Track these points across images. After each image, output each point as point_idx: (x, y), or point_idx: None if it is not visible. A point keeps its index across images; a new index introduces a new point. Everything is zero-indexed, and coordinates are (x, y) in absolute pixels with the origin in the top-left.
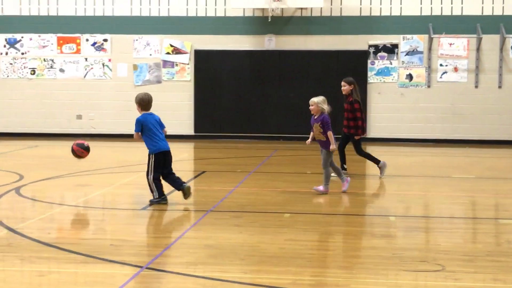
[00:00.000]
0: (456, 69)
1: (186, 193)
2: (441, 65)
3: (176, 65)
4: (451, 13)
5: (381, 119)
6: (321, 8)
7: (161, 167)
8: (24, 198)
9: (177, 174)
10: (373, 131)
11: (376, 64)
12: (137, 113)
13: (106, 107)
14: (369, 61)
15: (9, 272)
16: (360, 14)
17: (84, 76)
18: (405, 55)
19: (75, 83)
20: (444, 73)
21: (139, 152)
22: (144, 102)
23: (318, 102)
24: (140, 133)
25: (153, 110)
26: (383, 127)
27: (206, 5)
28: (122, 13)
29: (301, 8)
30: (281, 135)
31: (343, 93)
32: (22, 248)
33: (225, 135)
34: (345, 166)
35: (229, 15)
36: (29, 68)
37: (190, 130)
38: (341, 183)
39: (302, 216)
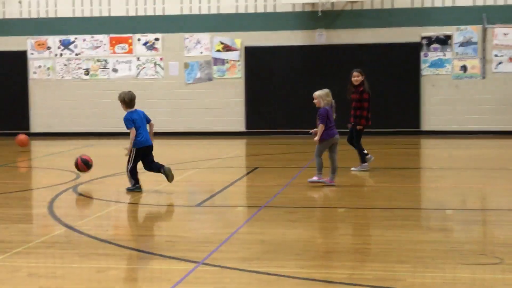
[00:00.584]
0: (511, 60)
1: (168, 175)
2: (496, 55)
3: (227, 62)
4: (505, 3)
5: (435, 111)
6: (372, 0)
7: (140, 159)
8: (81, 196)
9: (230, 170)
10: (427, 124)
11: (430, 56)
12: (194, 112)
13: (158, 105)
14: (422, 53)
15: (69, 269)
16: (412, 5)
17: (137, 76)
18: (459, 46)
19: (128, 83)
20: (499, 63)
21: (193, 150)
22: (128, 100)
23: (319, 96)
24: (133, 128)
25: (205, 107)
26: (437, 120)
27: (255, 1)
28: (172, 12)
29: (352, 1)
30: None
31: (355, 83)
32: (81, 245)
33: (277, 131)
34: (365, 152)
35: (279, 11)
36: (83, 69)
37: (241, 127)
38: (316, 175)
39: (357, 210)
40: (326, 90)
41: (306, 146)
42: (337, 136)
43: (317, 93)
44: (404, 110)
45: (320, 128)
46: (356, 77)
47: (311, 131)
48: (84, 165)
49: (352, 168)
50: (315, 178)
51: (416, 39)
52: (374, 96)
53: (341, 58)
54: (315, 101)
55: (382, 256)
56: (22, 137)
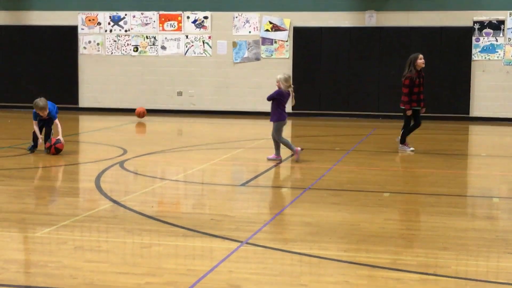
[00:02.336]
0: None
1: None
2: None
3: (275, 42)
4: None
5: (485, 97)
6: None
7: None
8: (128, 172)
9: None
10: (476, 110)
11: (481, 41)
12: (241, 91)
13: (206, 84)
14: (473, 38)
15: (114, 243)
16: None
17: (185, 53)
18: None
19: (176, 60)
20: None
21: (238, 129)
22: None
23: (279, 79)
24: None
25: (252, 87)
26: (487, 106)
27: None
28: None
29: None
30: (380, 113)
31: (423, 66)
32: (126, 220)
33: (324, 113)
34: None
35: None
36: (132, 45)
37: (288, 107)
38: (274, 153)
39: (402, 195)
40: (286, 75)
41: (352, 128)
42: (285, 119)
43: (278, 77)
44: (454, 95)
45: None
46: (423, 60)
47: None
48: (55, 151)
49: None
50: (272, 157)
51: (468, 23)
52: (424, 80)
53: (391, 41)
54: (276, 83)
55: (426, 243)
56: (140, 109)
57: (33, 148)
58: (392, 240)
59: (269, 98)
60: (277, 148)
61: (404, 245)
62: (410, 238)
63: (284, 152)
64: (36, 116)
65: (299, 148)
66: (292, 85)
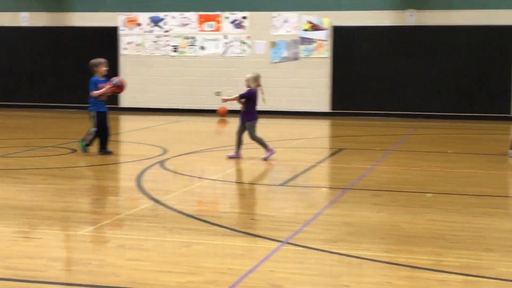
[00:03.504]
0: None
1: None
2: None
3: (314, 41)
4: None
5: None
6: None
7: None
8: (168, 171)
9: (314, 151)
10: None
11: None
12: (280, 91)
13: (244, 84)
14: None
15: (156, 242)
16: None
17: (223, 53)
18: None
19: (215, 60)
20: None
21: (277, 129)
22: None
23: (248, 79)
24: None
25: (290, 86)
26: None
27: None
28: None
29: None
30: (420, 113)
31: None
32: (167, 219)
33: (363, 112)
34: None
35: None
36: (172, 46)
37: (326, 107)
38: (267, 152)
39: (444, 196)
40: (255, 74)
41: (392, 128)
42: (257, 119)
43: (247, 76)
44: (494, 95)
45: (235, 97)
46: None
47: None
48: (116, 87)
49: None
50: (267, 155)
51: (509, 22)
52: (465, 80)
53: (431, 40)
54: (245, 83)
55: (469, 244)
56: (222, 109)
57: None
58: (434, 241)
59: (242, 97)
60: (238, 146)
61: (446, 246)
62: (452, 239)
63: (322, 152)
64: (96, 84)
65: (273, 150)
66: (261, 84)
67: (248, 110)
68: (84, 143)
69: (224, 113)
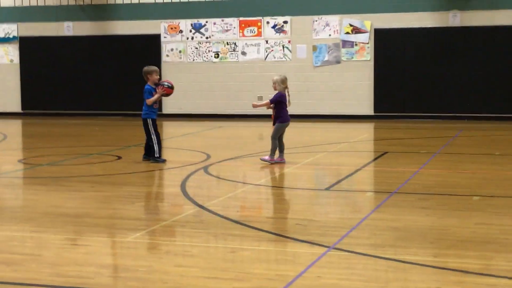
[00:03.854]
0: None
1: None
2: None
3: (356, 44)
4: None
5: None
6: None
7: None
8: (212, 177)
9: (358, 154)
10: None
11: None
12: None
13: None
14: None
15: (202, 248)
16: None
17: (265, 58)
18: None
19: (256, 65)
20: None
21: (320, 133)
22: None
23: (276, 81)
24: None
25: (332, 90)
26: None
27: None
28: None
29: None
30: (466, 115)
31: None
32: (212, 225)
33: (407, 115)
34: None
35: None
36: (213, 52)
37: (369, 110)
38: (269, 156)
39: (493, 199)
40: (283, 76)
41: (437, 130)
42: (289, 121)
43: (274, 78)
44: None
45: (266, 103)
46: None
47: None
48: (169, 88)
49: None
50: (267, 158)
51: None
52: (510, 80)
53: (476, 40)
54: (272, 85)
55: None
56: None
57: (160, 161)
58: (484, 245)
59: (272, 101)
60: (281, 151)
61: (496, 250)
62: (503, 242)
63: (366, 155)
64: (151, 92)
65: (274, 160)
66: (287, 87)
67: (279, 113)
68: (156, 157)
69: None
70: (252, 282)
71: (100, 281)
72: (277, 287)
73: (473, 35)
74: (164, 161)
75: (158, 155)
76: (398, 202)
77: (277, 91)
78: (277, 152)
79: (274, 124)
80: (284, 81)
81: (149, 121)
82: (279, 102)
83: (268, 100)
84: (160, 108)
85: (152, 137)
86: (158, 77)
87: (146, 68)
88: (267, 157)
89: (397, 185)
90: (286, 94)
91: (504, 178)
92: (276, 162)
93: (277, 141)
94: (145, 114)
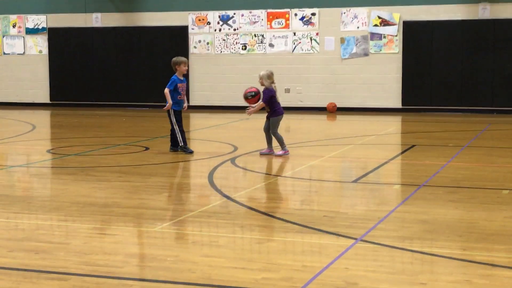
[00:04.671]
0: None
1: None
2: None
3: (384, 37)
4: None
5: None
6: None
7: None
8: (239, 168)
9: (386, 147)
10: None
11: None
12: (350, 87)
13: (314, 80)
14: None
15: (230, 238)
16: None
17: (292, 51)
18: None
19: (284, 58)
20: None
21: (348, 125)
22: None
23: (262, 76)
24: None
25: (360, 83)
26: None
27: None
28: None
29: None
30: (495, 108)
31: None
32: (239, 216)
33: (435, 108)
34: None
35: None
36: (241, 44)
37: (397, 103)
38: (281, 150)
39: None
40: (269, 72)
41: (465, 124)
42: (283, 113)
43: (261, 74)
44: None
45: (259, 105)
46: None
47: (247, 110)
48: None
49: None
50: (280, 152)
51: None
52: None
53: (505, 33)
54: (259, 80)
55: None
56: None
57: (187, 151)
58: None
59: (265, 101)
60: (269, 142)
61: None
62: None
63: (394, 148)
64: (175, 84)
65: (288, 151)
66: (274, 81)
67: (272, 107)
68: (181, 146)
69: (333, 108)
70: (280, 273)
71: (129, 270)
72: (305, 278)
73: (503, 28)
74: (191, 152)
75: (183, 144)
76: (426, 195)
77: (264, 87)
78: (280, 146)
79: (268, 118)
80: (270, 76)
81: (171, 111)
82: (270, 98)
83: (261, 102)
84: (188, 100)
85: (175, 127)
86: (187, 68)
87: (175, 59)
88: (280, 152)
89: (425, 178)
90: (274, 88)
91: None
92: (263, 154)
93: (278, 134)
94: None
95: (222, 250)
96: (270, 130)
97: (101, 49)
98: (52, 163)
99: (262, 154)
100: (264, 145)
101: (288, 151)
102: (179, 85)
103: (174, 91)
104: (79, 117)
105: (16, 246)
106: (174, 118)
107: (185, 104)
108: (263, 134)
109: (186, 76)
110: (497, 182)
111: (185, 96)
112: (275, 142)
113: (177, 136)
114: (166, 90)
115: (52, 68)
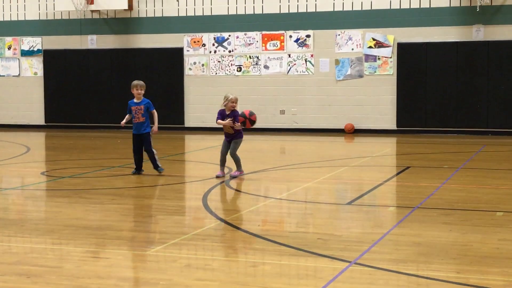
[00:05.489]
0: None
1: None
2: None
3: (379, 59)
4: None
5: None
6: None
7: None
8: (233, 190)
9: (381, 169)
10: None
11: None
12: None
13: (309, 102)
14: None
15: (223, 262)
16: None
17: (287, 72)
18: None
19: (279, 79)
20: None
21: (342, 147)
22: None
23: (231, 99)
24: None
25: (355, 104)
26: None
27: None
28: (324, 8)
29: None
30: (489, 130)
31: None
32: (233, 239)
33: (430, 130)
34: None
35: (434, 6)
36: (236, 65)
37: (392, 125)
38: (237, 171)
39: None
40: (236, 96)
41: (460, 145)
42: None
43: (230, 97)
44: None
45: (239, 125)
46: None
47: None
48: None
49: None
50: (237, 173)
51: None
52: None
53: (500, 54)
54: (231, 104)
55: None
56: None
57: (137, 172)
58: (507, 261)
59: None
60: (223, 164)
61: None
62: None
63: (388, 170)
64: (130, 110)
65: (243, 171)
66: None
67: (238, 131)
68: (157, 165)
69: (350, 129)
70: None
71: None
72: None
73: (497, 49)
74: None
75: (157, 164)
76: (420, 217)
77: (231, 109)
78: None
79: (230, 141)
80: (236, 100)
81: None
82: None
83: (237, 122)
84: (183, 122)
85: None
86: (140, 91)
87: (134, 82)
88: (237, 172)
89: (420, 200)
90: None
91: None
92: (219, 176)
93: (237, 156)
94: (147, 127)
95: (215, 273)
96: (232, 151)
97: (96, 71)
98: (46, 185)
99: (217, 177)
100: (254, 167)
101: (243, 172)
102: (132, 108)
103: (129, 114)
104: (74, 139)
105: (7, 269)
106: (143, 143)
107: (154, 127)
108: (256, 156)
109: (181, 97)
110: (491, 204)
111: (150, 119)
112: (238, 163)
113: (155, 157)
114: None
115: (47, 90)
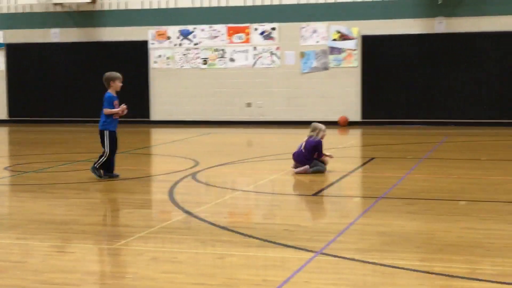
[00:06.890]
0: None
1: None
2: None
3: (343, 51)
4: None
5: None
6: None
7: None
8: (200, 184)
9: (346, 160)
10: None
11: None
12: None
13: (274, 95)
14: None
15: (190, 254)
16: None
17: (253, 65)
18: None
19: (244, 72)
20: None
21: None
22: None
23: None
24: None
25: (320, 96)
26: None
27: None
28: (289, 1)
29: None
30: (451, 121)
31: None
32: (200, 231)
33: (394, 121)
34: None
35: None
36: (201, 58)
37: (357, 116)
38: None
39: (478, 204)
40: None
41: (423, 136)
42: None
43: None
44: None
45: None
46: None
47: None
48: None
49: None
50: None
51: None
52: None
53: (462, 47)
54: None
55: (505, 251)
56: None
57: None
58: (470, 249)
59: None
60: None
61: (482, 254)
62: (488, 247)
63: (353, 161)
64: (111, 101)
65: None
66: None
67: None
68: (95, 166)
69: (344, 122)
70: None
71: None
72: None
73: (459, 41)
74: (100, 176)
75: (97, 166)
76: (385, 207)
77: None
78: None
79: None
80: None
81: (106, 133)
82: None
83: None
84: (148, 115)
85: (105, 150)
86: (121, 84)
87: (109, 74)
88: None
89: (384, 190)
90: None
91: (490, 183)
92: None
93: None
94: (103, 125)
95: (182, 266)
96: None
97: (60, 64)
98: (10, 180)
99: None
100: (221, 160)
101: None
102: (115, 102)
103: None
104: (38, 134)
105: None
106: (108, 141)
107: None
108: (224, 149)
109: (147, 91)
110: (454, 193)
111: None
112: None
113: (101, 158)
114: (107, 111)
115: (10, 84)
